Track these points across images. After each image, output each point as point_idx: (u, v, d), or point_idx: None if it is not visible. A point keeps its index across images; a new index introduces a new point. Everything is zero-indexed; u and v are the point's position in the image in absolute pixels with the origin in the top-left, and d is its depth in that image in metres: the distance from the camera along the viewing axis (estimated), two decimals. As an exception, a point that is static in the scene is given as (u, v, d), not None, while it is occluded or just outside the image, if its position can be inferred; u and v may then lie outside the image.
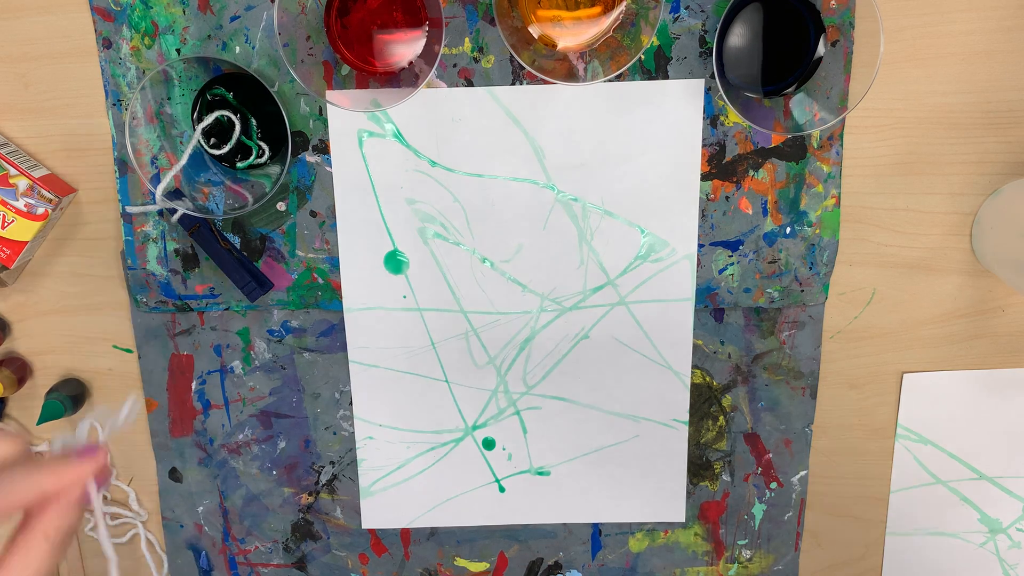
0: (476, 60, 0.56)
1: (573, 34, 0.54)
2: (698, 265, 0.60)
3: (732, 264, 0.60)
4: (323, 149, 0.58)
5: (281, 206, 0.59)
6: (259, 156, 0.57)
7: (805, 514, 0.66)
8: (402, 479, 0.65)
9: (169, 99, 0.56)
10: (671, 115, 0.57)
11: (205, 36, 0.56)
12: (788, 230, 0.59)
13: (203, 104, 0.56)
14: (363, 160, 0.58)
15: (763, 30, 0.55)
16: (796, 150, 0.58)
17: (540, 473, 0.65)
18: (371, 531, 0.67)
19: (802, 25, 0.54)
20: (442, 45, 0.52)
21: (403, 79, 0.55)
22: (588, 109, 0.57)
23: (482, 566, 0.68)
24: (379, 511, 0.66)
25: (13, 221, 0.56)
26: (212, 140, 0.57)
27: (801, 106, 0.55)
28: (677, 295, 0.61)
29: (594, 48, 0.55)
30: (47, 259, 0.61)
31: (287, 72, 0.56)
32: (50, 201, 0.57)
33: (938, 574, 0.68)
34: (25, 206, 0.56)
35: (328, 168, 0.59)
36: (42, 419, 0.60)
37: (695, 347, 0.62)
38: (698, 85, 0.57)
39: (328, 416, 0.64)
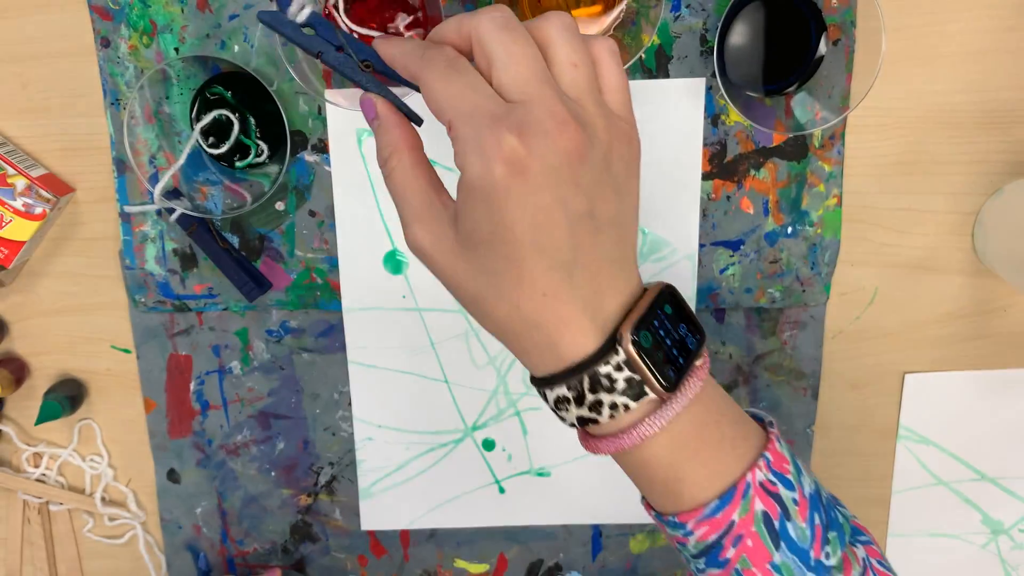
0: (476, 59, 0.56)
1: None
2: (699, 265, 0.60)
3: (733, 264, 0.60)
4: (322, 148, 0.58)
5: (280, 206, 0.59)
6: (258, 155, 0.57)
7: (806, 515, 0.66)
8: (401, 480, 0.65)
9: (167, 98, 0.56)
10: (672, 114, 0.57)
11: (204, 35, 0.56)
12: (789, 230, 0.59)
13: (201, 103, 0.56)
14: (362, 159, 0.58)
15: (764, 29, 0.54)
16: (797, 149, 0.58)
17: (540, 474, 0.65)
18: (370, 532, 0.67)
19: (803, 24, 0.54)
20: (442, 44, 0.52)
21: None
22: (588, 108, 0.57)
23: (482, 567, 0.68)
24: (378, 512, 0.66)
25: (11, 221, 0.56)
26: (211, 139, 0.57)
27: (802, 105, 0.55)
28: (678, 295, 0.60)
29: (594, 47, 0.54)
30: (45, 259, 0.61)
31: (286, 71, 0.56)
32: (48, 201, 0.56)
33: None
34: (23, 205, 0.56)
35: (327, 167, 0.58)
36: (40, 419, 0.60)
37: (696, 347, 0.62)
38: (699, 84, 0.56)
39: (327, 417, 0.64)
